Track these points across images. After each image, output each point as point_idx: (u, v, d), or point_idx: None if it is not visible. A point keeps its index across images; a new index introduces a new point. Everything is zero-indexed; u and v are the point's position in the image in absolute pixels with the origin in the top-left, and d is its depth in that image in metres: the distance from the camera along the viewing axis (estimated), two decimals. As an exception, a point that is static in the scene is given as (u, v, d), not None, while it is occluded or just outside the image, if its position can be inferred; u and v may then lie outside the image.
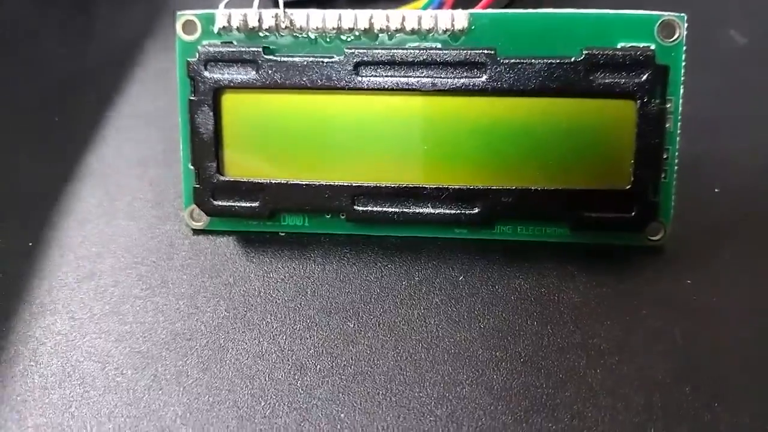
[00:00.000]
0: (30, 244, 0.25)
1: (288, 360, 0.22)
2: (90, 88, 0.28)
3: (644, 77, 0.22)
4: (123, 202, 0.25)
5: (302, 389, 0.21)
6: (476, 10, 0.23)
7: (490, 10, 0.23)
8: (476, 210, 0.23)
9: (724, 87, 0.26)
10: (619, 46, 0.22)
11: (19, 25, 0.30)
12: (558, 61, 0.22)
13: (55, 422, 0.21)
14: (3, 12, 0.30)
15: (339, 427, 0.20)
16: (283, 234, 0.24)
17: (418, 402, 0.21)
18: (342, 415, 0.21)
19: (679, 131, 0.23)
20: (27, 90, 0.28)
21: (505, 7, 0.25)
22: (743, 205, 0.25)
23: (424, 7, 0.26)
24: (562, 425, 0.20)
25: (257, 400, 0.21)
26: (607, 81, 0.22)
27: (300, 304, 0.23)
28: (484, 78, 0.22)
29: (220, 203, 0.23)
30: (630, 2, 0.24)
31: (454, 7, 0.25)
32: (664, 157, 0.23)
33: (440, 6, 0.26)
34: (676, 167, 0.23)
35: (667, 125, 0.22)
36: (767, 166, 0.26)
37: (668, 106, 0.22)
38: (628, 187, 0.22)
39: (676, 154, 0.23)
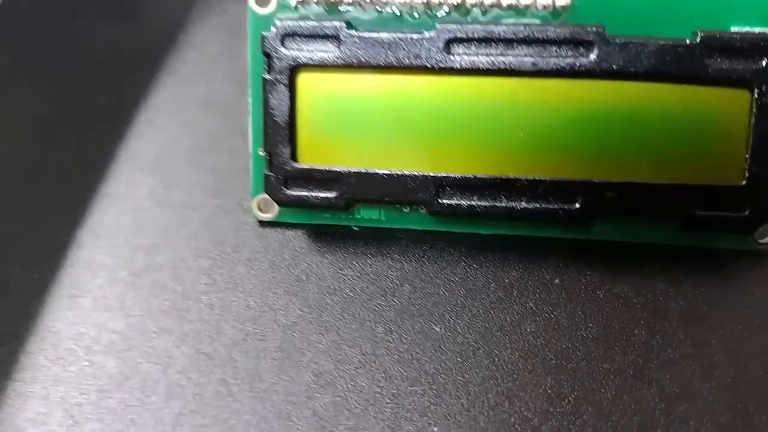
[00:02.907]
0: (77, 234, 0.23)
1: (371, 366, 0.20)
2: (139, 70, 0.26)
3: (764, 64, 0.20)
4: (180, 190, 0.23)
5: (389, 398, 0.19)
6: (578, -14, 0.21)
7: (594, -13, 0.21)
8: (576, 205, 0.21)
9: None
10: (732, 30, 0.20)
11: (61, 3, 0.28)
12: (672, 42, 0.20)
13: (114, 429, 0.19)
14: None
15: (432, 441, 0.18)
16: (356, 228, 0.22)
17: (519, 417, 0.19)
18: (435, 429, 0.19)
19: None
20: (72, 72, 0.26)
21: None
22: None
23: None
24: (680, 444, 0.18)
25: (340, 410, 0.19)
26: (723, 67, 0.20)
27: (380, 305, 0.21)
28: (591, 58, 0.20)
29: (292, 192, 0.21)
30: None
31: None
32: (779, 153, 0.21)
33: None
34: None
35: (783, 119, 0.20)
36: None
37: (786, 97, 0.20)
38: (743, 183, 0.20)
39: (789, 150, 0.21)
